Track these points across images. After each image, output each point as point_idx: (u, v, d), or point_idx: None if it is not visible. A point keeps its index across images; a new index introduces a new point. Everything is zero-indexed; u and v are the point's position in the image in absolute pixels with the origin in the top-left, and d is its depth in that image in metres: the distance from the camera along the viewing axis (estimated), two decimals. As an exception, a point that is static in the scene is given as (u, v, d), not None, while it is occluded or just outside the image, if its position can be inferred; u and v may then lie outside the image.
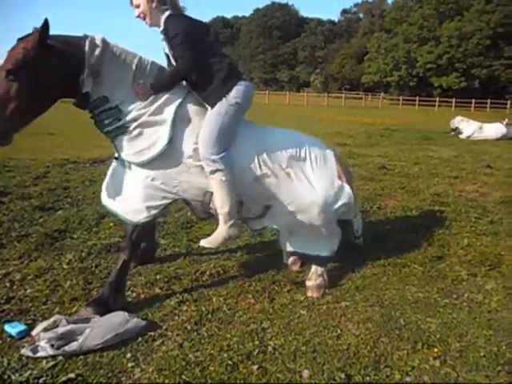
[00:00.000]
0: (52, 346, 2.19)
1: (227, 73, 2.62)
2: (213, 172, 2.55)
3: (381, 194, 5.48)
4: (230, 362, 2.16)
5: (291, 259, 3.24)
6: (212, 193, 2.66)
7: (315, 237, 2.90)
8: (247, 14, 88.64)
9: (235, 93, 2.63)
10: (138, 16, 2.60)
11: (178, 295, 2.82)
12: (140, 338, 2.34)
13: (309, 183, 2.75)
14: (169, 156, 2.56)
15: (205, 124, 2.58)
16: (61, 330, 2.29)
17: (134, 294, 2.85)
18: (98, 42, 2.41)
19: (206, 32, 2.81)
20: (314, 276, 2.94)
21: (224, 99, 2.60)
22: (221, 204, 2.63)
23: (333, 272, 3.16)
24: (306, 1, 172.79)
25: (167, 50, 2.65)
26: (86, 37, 2.41)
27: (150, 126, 2.53)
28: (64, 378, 2.02)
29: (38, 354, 2.17)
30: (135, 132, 2.53)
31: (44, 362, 2.14)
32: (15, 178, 5.91)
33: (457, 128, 13.48)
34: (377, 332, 2.46)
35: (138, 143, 2.54)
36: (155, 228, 3.49)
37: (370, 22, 62.76)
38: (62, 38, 2.38)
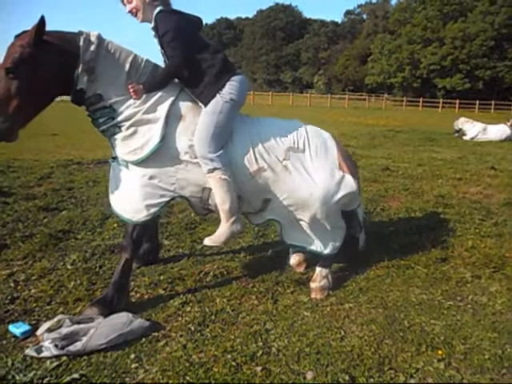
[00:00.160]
0: (56, 346, 2.20)
1: (219, 68, 2.59)
2: (211, 171, 2.54)
3: (384, 196, 5.47)
4: (233, 363, 2.16)
5: (296, 260, 3.23)
6: (210, 189, 2.66)
7: (317, 231, 2.84)
8: (250, 16, 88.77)
9: (229, 89, 2.60)
10: (130, 11, 2.56)
11: (181, 296, 2.82)
12: (144, 339, 2.35)
13: (307, 175, 2.70)
14: (164, 154, 2.56)
15: (200, 123, 2.57)
16: (65, 330, 2.29)
17: (138, 295, 2.86)
18: (93, 38, 2.42)
19: (198, 27, 2.75)
20: (319, 278, 2.92)
21: (218, 96, 2.58)
22: (221, 202, 2.62)
23: (336, 273, 3.16)
24: (310, 2, 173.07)
25: (159, 47, 2.62)
26: (81, 33, 2.42)
27: (143, 125, 2.53)
28: (68, 379, 2.03)
29: (42, 355, 2.18)
30: (129, 131, 2.53)
31: (48, 362, 2.14)
32: (19, 178, 5.94)
33: (461, 129, 13.43)
34: (381, 334, 2.45)
35: (132, 142, 2.54)
36: (158, 229, 3.50)
37: (374, 24, 62.66)
38: (57, 34, 2.40)
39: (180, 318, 2.57)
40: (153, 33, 2.60)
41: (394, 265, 3.35)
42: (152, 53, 2.90)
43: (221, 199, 2.62)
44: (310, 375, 2.11)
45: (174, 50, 2.50)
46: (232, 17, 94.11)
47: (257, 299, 2.82)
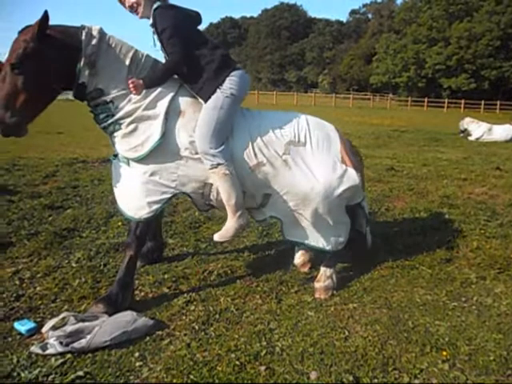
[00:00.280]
0: (61, 343, 2.21)
1: (219, 64, 2.59)
2: (214, 166, 2.53)
3: (389, 196, 5.45)
4: (237, 363, 2.16)
5: (300, 260, 3.22)
6: (211, 184, 2.66)
7: (319, 226, 2.79)
8: (255, 15, 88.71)
9: (229, 84, 2.59)
10: (131, 6, 2.56)
11: (185, 295, 2.82)
12: (148, 337, 2.35)
13: (308, 169, 2.67)
14: (165, 150, 2.56)
15: (201, 118, 2.56)
16: (69, 328, 2.30)
17: (142, 294, 2.87)
18: (95, 32, 2.44)
19: (196, 22, 2.74)
20: (323, 278, 2.92)
21: (218, 91, 2.58)
22: (227, 197, 2.62)
23: (341, 273, 3.15)
24: (315, 1, 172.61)
25: (158, 44, 2.61)
26: (83, 27, 2.44)
27: (143, 121, 2.53)
28: (73, 376, 2.04)
29: (47, 352, 2.19)
30: (129, 128, 2.53)
31: (53, 359, 2.15)
32: (25, 176, 5.97)
33: (466, 129, 13.37)
34: (385, 334, 2.45)
35: (133, 139, 2.55)
36: (161, 227, 3.51)
37: (379, 23, 62.47)
38: (60, 29, 2.42)
39: (184, 317, 2.58)
40: (152, 29, 2.59)
41: (398, 265, 3.34)
42: (148, 48, 2.89)
43: (226, 194, 2.61)
44: (313, 375, 2.10)
45: (173, 46, 2.50)
46: (237, 16, 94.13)
47: (261, 298, 2.82)
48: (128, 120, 2.52)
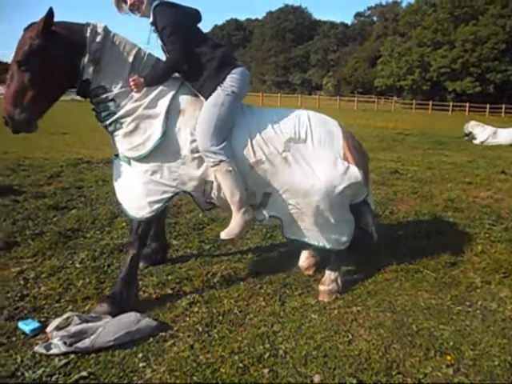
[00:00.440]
0: (65, 343, 2.22)
1: (220, 61, 2.59)
2: (216, 164, 2.53)
3: (393, 199, 5.44)
4: (240, 365, 2.15)
5: (305, 263, 3.22)
6: (212, 182, 2.65)
7: (320, 225, 2.74)
8: (260, 17, 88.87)
9: (230, 81, 2.59)
10: (132, 4, 2.56)
11: (189, 296, 2.82)
12: (151, 339, 2.35)
13: (308, 167, 2.63)
14: (165, 149, 2.57)
15: (201, 116, 2.56)
16: (73, 328, 2.31)
17: (146, 294, 2.87)
18: (100, 29, 2.46)
19: (196, 19, 2.75)
20: (327, 281, 2.90)
21: (219, 89, 2.58)
22: (230, 193, 2.61)
23: (344, 276, 3.13)
24: (320, 4, 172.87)
25: (158, 42, 2.62)
26: (88, 24, 2.47)
27: (144, 120, 2.54)
28: (76, 376, 2.04)
29: (51, 352, 2.20)
30: (130, 127, 2.54)
31: (56, 359, 2.16)
32: (30, 176, 5.99)
33: (471, 133, 13.32)
34: (389, 338, 2.44)
35: (134, 138, 2.55)
36: (165, 228, 3.51)
37: (384, 26, 62.41)
38: (65, 25, 2.45)
39: (187, 319, 2.58)
40: (151, 27, 2.60)
41: (402, 269, 3.33)
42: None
43: (229, 191, 2.60)
44: (317, 378, 2.10)
45: (173, 44, 2.50)
46: (242, 18, 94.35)
47: (264, 301, 2.81)
48: (129, 119, 2.53)
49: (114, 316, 2.47)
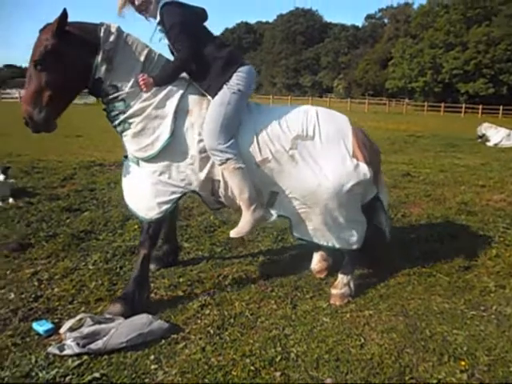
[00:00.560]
0: (78, 344, 2.24)
1: (226, 60, 2.59)
2: (223, 162, 2.53)
3: (405, 202, 5.39)
4: (252, 368, 2.15)
5: (317, 266, 3.20)
6: (219, 181, 2.65)
7: (329, 224, 2.71)
8: (271, 20, 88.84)
9: (236, 79, 2.59)
10: (140, 5, 2.57)
11: (200, 299, 2.83)
12: (163, 341, 2.37)
13: (316, 165, 2.59)
14: (173, 149, 2.58)
15: (208, 115, 2.57)
16: (86, 329, 2.33)
17: (158, 297, 2.88)
18: (113, 29, 2.50)
19: (203, 18, 2.76)
20: (340, 285, 2.89)
21: (225, 87, 2.58)
22: (239, 191, 2.60)
23: (356, 280, 3.11)
24: (330, 6, 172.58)
25: (165, 41, 2.64)
26: (102, 24, 2.50)
27: (152, 120, 2.56)
28: (89, 377, 2.06)
29: (65, 352, 2.22)
30: (139, 127, 2.56)
31: (70, 360, 2.18)
32: (43, 179, 6.08)
33: (484, 135, 13.15)
34: (401, 342, 2.42)
35: (142, 138, 2.57)
36: (176, 230, 3.53)
37: (395, 28, 61.98)
38: (79, 26, 2.49)
39: (199, 321, 2.58)
40: (158, 27, 2.61)
41: (415, 272, 3.30)
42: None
43: (238, 189, 2.59)
44: (329, 382, 2.09)
45: (181, 43, 2.52)
46: (252, 21, 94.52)
47: (276, 304, 2.81)
48: (137, 119, 2.55)
49: (126, 316, 2.49)
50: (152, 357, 2.24)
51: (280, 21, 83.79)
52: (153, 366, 2.17)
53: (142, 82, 2.49)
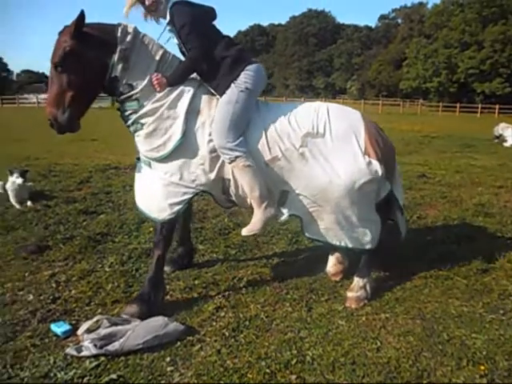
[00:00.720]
0: (95, 345, 2.26)
1: (234, 59, 2.60)
2: (233, 160, 2.52)
3: (421, 204, 5.34)
4: (267, 371, 2.15)
5: (333, 269, 3.18)
6: (229, 180, 2.65)
7: (341, 223, 2.67)
8: (283, 22, 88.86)
9: (244, 78, 2.59)
10: (150, 5, 2.58)
11: (215, 301, 2.84)
12: (179, 343, 2.38)
13: (326, 162, 2.56)
14: (185, 150, 2.59)
15: (216, 114, 2.57)
16: (103, 331, 2.36)
17: (173, 299, 2.90)
18: (130, 29, 2.53)
19: (212, 17, 2.76)
20: (356, 288, 2.87)
21: (233, 85, 2.58)
22: (249, 189, 2.59)
23: (372, 282, 3.08)
24: (343, 7, 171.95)
25: (176, 41, 2.65)
26: (119, 24, 2.54)
27: (164, 121, 2.57)
28: (106, 379, 2.08)
29: (82, 354, 2.25)
30: (151, 127, 2.57)
31: (87, 361, 2.20)
32: (60, 182, 6.18)
33: (501, 135, 12.93)
34: (418, 346, 2.39)
35: (155, 139, 2.59)
36: (191, 233, 3.55)
37: (409, 28, 61.42)
38: (97, 26, 2.54)
39: (214, 323, 2.59)
40: (168, 27, 2.63)
41: (431, 275, 3.26)
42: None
43: (248, 186, 2.59)
44: (345, 386, 2.07)
45: (192, 41, 2.53)
46: (265, 23, 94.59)
47: (291, 306, 2.80)
48: (150, 119, 2.57)
49: (143, 318, 2.52)
50: (168, 359, 2.26)
51: (292, 23, 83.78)
52: (169, 368, 2.19)
53: (155, 82, 2.51)
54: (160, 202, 2.64)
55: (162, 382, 2.10)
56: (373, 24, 79.39)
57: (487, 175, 7.28)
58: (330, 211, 2.64)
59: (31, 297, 2.86)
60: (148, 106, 2.56)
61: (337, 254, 3.19)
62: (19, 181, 4.93)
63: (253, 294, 2.96)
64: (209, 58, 2.58)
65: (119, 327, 2.41)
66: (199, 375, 2.13)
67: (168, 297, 2.90)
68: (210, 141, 2.58)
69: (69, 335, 2.43)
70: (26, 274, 3.19)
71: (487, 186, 6.38)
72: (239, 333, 2.50)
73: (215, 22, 2.78)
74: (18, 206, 4.85)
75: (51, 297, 2.85)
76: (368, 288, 2.88)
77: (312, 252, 3.70)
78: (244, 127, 2.61)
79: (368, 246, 2.79)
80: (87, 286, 3.01)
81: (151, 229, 4.12)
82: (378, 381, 2.10)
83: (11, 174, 5.01)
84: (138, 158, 2.79)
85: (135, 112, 2.58)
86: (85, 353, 2.25)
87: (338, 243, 2.77)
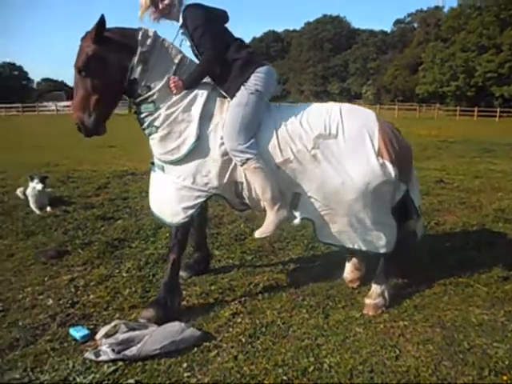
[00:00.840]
0: (113, 350, 2.28)
1: (244, 61, 2.60)
2: (244, 162, 2.52)
3: (439, 209, 5.25)
4: (285, 378, 2.14)
5: (350, 276, 3.15)
6: (242, 183, 2.65)
7: (355, 226, 2.63)
8: (298, 28, 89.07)
9: (254, 80, 2.59)
10: (164, 9, 2.60)
11: (232, 307, 2.84)
12: (196, 349, 2.38)
13: (339, 164, 2.53)
14: (198, 153, 2.60)
15: (227, 116, 2.58)
16: (121, 336, 2.37)
17: (190, 304, 2.91)
18: (150, 33, 2.57)
19: (224, 20, 2.78)
20: (374, 295, 2.83)
21: (243, 88, 2.58)
22: (262, 191, 2.58)
23: (390, 289, 3.04)
24: (358, 12, 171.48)
25: (188, 44, 2.66)
26: (140, 28, 2.59)
27: (179, 124, 2.59)
28: (124, 384, 2.09)
29: (100, 358, 2.27)
30: (165, 131, 2.59)
31: (105, 366, 2.22)
32: (79, 188, 6.28)
33: (521, 140, 12.67)
34: (438, 355, 2.34)
35: (169, 142, 2.61)
36: (207, 238, 3.57)
37: (425, 32, 60.86)
38: (118, 31, 2.58)
39: (231, 329, 2.59)
40: (181, 30, 2.65)
41: (451, 282, 3.20)
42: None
43: (260, 188, 2.58)
44: (363, 394, 2.04)
45: (205, 43, 2.54)
46: (280, 30, 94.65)
47: (307, 313, 2.78)
48: (165, 123, 2.59)
49: (159, 322, 2.54)
50: (185, 364, 2.26)
51: (307, 28, 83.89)
52: (186, 374, 2.19)
53: (172, 84, 2.54)
54: (173, 206, 2.66)
55: (179, 387, 2.10)
56: (388, 29, 79.00)
57: (507, 180, 7.14)
58: (343, 214, 2.61)
59: (51, 301, 2.90)
60: (164, 109, 2.58)
61: (354, 261, 3.16)
62: (39, 187, 5.03)
63: (269, 300, 2.95)
64: (221, 60, 2.60)
65: (136, 332, 2.43)
66: (216, 381, 2.13)
67: (184, 302, 2.91)
68: (222, 144, 2.59)
69: (87, 339, 2.46)
70: (46, 279, 3.25)
71: (507, 192, 6.25)
72: (256, 339, 2.49)
73: (227, 26, 2.80)
74: (37, 212, 4.94)
75: (70, 301, 2.89)
76: (386, 295, 2.85)
77: (328, 258, 3.68)
78: (255, 129, 2.61)
79: (383, 250, 2.74)
80: (105, 290, 3.04)
81: (168, 234, 4.15)
82: (397, 390, 2.07)
83: (31, 179, 5.12)
84: (153, 163, 2.82)
85: (151, 114, 2.61)
86: (103, 357, 2.27)
87: (351, 246, 2.73)
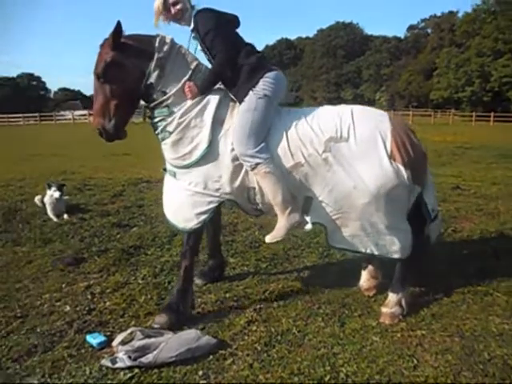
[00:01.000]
0: (129, 357, 2.29)
1: (253, 66, 2.61)
2: (254, 167, 2.52)
3: (455, 216, 5.18)
4: (301, 387, 2.11)
5: (366, 284, 3.12)
6: (254, 188, 2.65)
7: (367, 230, 2.59)
8: (311, 35, 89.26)
9: (262, 85, 2.59)
10: (176, 14, 2.64)
11: (247, 314, 2.83)
12: (211, 356, 2.38)
13: (350, 167, 2.49)
14: (209, 159, 2.61)
15: (236, 121, 2.59)
16: (137, 343, 2.39)
17: (205, 312, 2.91)
18: (168, 40, 2.62)
19: (235, 25, 2.80)
20: (391, 303, 2.80)
21: (251, 93, 2.59)
22: (273, 195, 2.57)
23: (407, 298, 3.00)
24: (371, 19, 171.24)
25: (199, 48, 2.68)
26: (157, 35, 2.63)
27: (191, 129, 2.61)
28: (141, 391, 2.10)
29: (117, 365, 2.28)
30: (178, 136, 2.62)
31: (122, 373, 2.23)
32: (95, 196, 6.36)
33: (539, 145, 12.43)
34: (458, 365, 2.30)
35: (181, 147, 2.63)
36: (221, 246, 3.57)
37: (439, 37, 60.43)
38: (136, 37, 2.64)
39: (246, 337, 2.58)
40: (193, 34, 2.68)
41: (469, 290, 3.14)
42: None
43: (271, 193, 2.57)
44: (381, 404, 2.01)
45: (217, 47, 2.57)
46: (292, 37, 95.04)
47: (323, 321, 2.76)
48: (178, 128, 2.61)
49: (172, 327, 2.56)
50: (200, 372, 2.26)
51: (320, 35, 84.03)
52: (201, 382, 2.19)
53: (187, 90, 2.58)
54: (186, 213, 2.68)
55: (195, 395, 2.10)
56: (401, 35, 78.49)
57: (526, 187, 7.01)
58: (355, 218, 2.58)
59: (68, 308, 2.93)
60: (177, 114, 2.61)
61: (370, 268, 3.13)
62: (56, 194, 5.11)
63: (284, 308, 2.93)
64: (231, 64, 2.62)
65: (152, 339, 2.44)
66: (232, 390, 2.12)
67: (199, 310, 2.92)
68: (233, 149, 2.60)
69: (104, 346, 2.48)
70: (63, 286, 3.29)
71: (526, 198, 6.13)
72: (271, 347, 2.47)
73: (239, 31, 2.82)
74: (55, 219, 5.01)
75: (87, 308, 2.92)
76: (403, 303, 2.81)
77: (344, 266, 3.65)
78: (265, 134, 2.61)
79: (397, 256, 2.69)
80: (121, 297, 3.07)
81: (183, 242, 4.18)
82: (416, 400, 2.03)
83: (49, 187, 5.21)
84: (165, 169, 2.84)
85: (164, 119, 2.64)
86: (119, 364, 2.28)
87: (363, 250, 2.69)
